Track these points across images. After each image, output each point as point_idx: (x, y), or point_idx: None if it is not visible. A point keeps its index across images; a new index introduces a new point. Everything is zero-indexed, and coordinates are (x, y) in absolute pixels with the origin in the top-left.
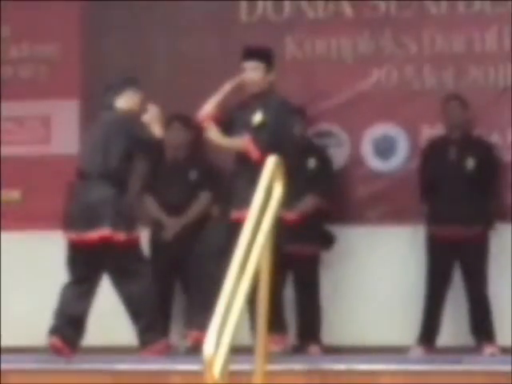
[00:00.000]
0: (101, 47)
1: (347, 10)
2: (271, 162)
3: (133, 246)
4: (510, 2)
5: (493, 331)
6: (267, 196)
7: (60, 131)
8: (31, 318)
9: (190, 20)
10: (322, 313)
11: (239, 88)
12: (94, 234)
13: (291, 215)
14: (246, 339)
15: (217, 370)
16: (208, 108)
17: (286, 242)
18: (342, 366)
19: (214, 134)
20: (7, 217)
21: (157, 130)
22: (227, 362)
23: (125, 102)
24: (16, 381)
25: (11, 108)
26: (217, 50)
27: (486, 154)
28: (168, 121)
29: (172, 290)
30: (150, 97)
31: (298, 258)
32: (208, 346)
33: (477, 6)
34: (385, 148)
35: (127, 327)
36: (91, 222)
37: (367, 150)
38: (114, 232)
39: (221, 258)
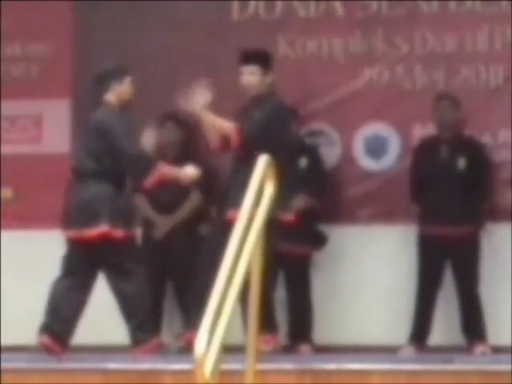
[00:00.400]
0: (92, 46)
1: (339, 9)
2: (262, 162)
3: (130, 243)
4: (501, 2)
5: (484, 331)
6: (259, 195)
7: (52, 130)
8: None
9: (181, 19)
10: (313, 312)
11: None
12: (93, 232)
13: (289, 216)
14: (237, 338)
15: (208, 369)
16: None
17: (279, 242)
18: (333, 366)
19: (210, 116)
20: None
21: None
22: (218, 361)
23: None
24: (8, 380)
25: (3, 107)
26: (209, 49)
27: (478, 153)
28: (161, 120)
29: (164, 289)
30: (141, 95)
31: (290, 258)
32: (199, 346)
33: (468, 5)
34: (376, 147)
35: (119, 326)
36: (89, 219)
37: (359, 149)
38: (112, 229)
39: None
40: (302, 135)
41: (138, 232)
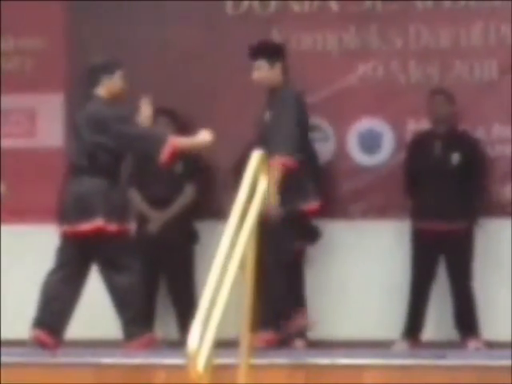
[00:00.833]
0: (86, 40)
1: (333, 4)
2: (256, 157)
3: (124, 237)
4: None
5: (477, 326)
6: (252, 190)
7: (45, 124)
8: (16, 311)
9: (175, 12)
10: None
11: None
12: (88, 226)
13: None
14: (230, 333)
15: (201, 363)
16: None
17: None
18: (326, 361)
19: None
20: None
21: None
22: (211, 355)
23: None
24: (3, 375)
25: None
26: (203, 43)
27: (471, 148)
28: (154, 115)
29: (157, 283)
30: (135, 89)
31: None
32: (192, 340)
33: (462, 1)
34: (370, 142)
35: (112, 320)
36: (84, 214)
37: (353, 144)
38: (106, 223)
39: None
40: None
41: (133, 226)
